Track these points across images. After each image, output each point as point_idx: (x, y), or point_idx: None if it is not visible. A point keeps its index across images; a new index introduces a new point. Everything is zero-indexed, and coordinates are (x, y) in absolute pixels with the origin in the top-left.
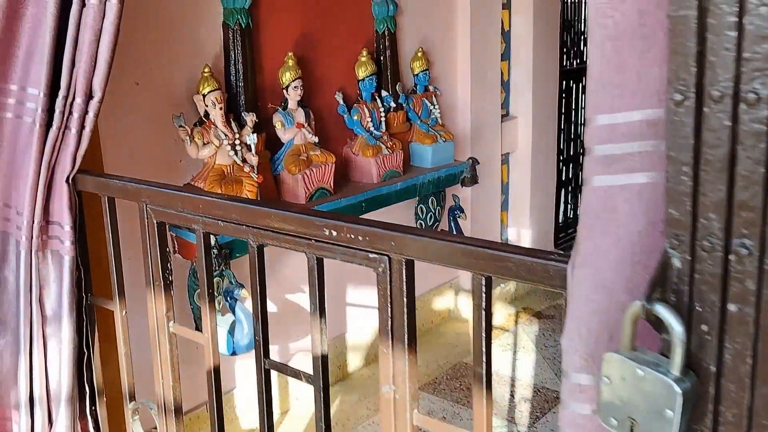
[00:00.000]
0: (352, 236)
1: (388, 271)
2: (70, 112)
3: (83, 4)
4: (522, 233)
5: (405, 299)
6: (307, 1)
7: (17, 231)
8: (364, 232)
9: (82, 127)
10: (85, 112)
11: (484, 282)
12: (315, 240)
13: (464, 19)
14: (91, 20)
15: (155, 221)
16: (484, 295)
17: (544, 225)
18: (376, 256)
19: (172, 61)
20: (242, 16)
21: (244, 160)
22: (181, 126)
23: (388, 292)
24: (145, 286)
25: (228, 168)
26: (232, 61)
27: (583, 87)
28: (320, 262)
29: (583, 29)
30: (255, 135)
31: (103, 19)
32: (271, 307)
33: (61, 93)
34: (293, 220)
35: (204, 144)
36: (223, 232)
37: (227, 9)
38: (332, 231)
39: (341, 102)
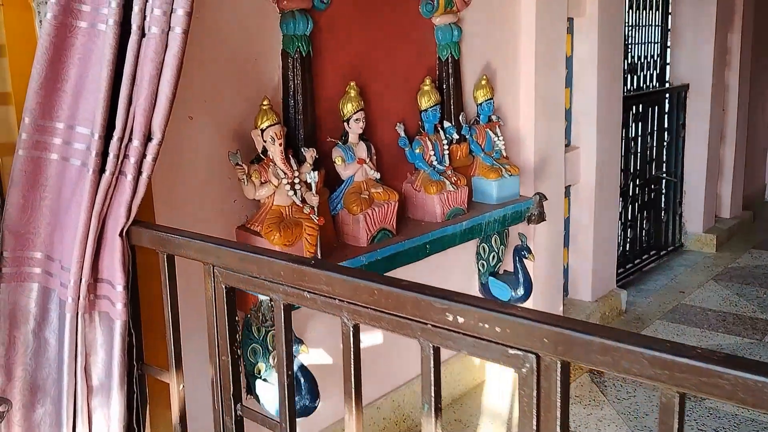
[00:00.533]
0: (485, 325)
1: (535, 374)
2: (126, 156)
3: (143, 34)
4: (583, 271)
5: (558, 410)
6: (367, 26)
7: (62, 288)
8: (501, 321)
9: (138, 173)
10: (143, 155)
11: (677, 401)
12: (432, 325)
13: (528, 43)
14: (152, 52)
15: (224, 286)
16: (676, 416)
17: (607, 262)
18: (518, 353)
19: (228, 92)
20: (303, 43)
21: (303, 201)
22: (237, 164)
23: (534, 400)
24: (207, 357)
25: (287, 209)
26: (291, 92)
27: (642, 114)
28: (437, 352)
29: (641, 53)
30: (315, 173)
31: (166, 50)
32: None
33: (116, 134)
34: (407, 300)
35: (262, 183)
36: (310, 306)
37: (287, 36)
38: (457, 317)
39: (402, 134)
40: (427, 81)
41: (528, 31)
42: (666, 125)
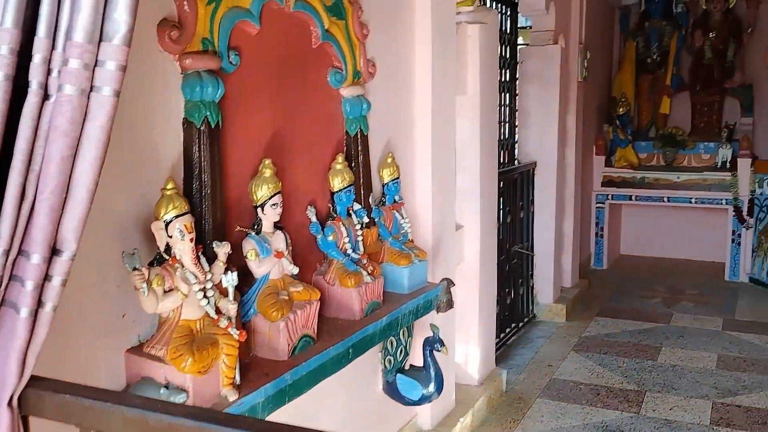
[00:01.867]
0: None
1: None
2: (16, 278)
3: (45, 96)
4: (470, 353)
5: None
6: (277, 92)
7: None
8: None
9: (38, 304)
10: (45, 277)
11: None
12: None
13: (425, 120)
14: (64, 122)
15: None
16: None
17: (488, 342)
18: None
19: (115, 173)
20: (212, 111)
21: (218, 311)
22: (135, 269)
23: None
24: None
25: (198, 324)
26: (197, 172)
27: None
28: None
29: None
30: (234, 274)
31: (85, 120)
32: None
33: (0, 245)
34: None
35: (166, 292)
36: None
37: (192, 102)
38: None
39: (314, 219)
40: (340, 159)
41: (424, 107)
42: (520, 201)
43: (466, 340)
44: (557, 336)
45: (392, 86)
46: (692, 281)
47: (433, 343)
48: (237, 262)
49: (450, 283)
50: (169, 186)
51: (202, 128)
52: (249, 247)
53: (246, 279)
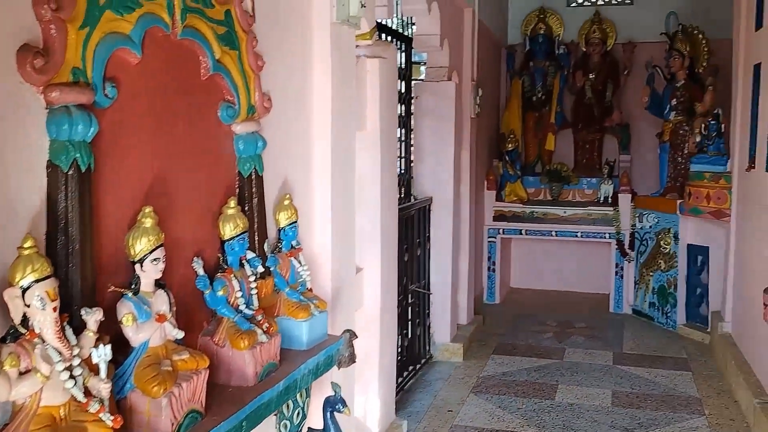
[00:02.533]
0: None
1: None
2: None
3: None
4: (369, 405)
5: None
6: (160, 130)
7: None
8: None
9: None
10: None
11: None
12: None
13: (324, 158)
14: None
15: None
16: None
17: (388, 392)
18: None
19: None
20: (83, 153)
21: (87, 393)
22: None
23: None
24: None
25: (61, 410)
26: (63, 224)
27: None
28: None
29: None
30: (107, 347)
31: None
32: None
33: None
34: None
35: (21, 374)
36: None
37: (59, 142)
38: None
39: (201, 272)
40: (232, 203)
41: (323, 144)
42: (417, 238)
43: (366, 391)
44: (455, 377)
45: (289, 122)
46: (580, 314)
47: (334, 404)
48: (111, 328)
49: (352, 335)
50: (28, 244)
51: (70, 172)
52: (125, 310)
53: (122, 348)
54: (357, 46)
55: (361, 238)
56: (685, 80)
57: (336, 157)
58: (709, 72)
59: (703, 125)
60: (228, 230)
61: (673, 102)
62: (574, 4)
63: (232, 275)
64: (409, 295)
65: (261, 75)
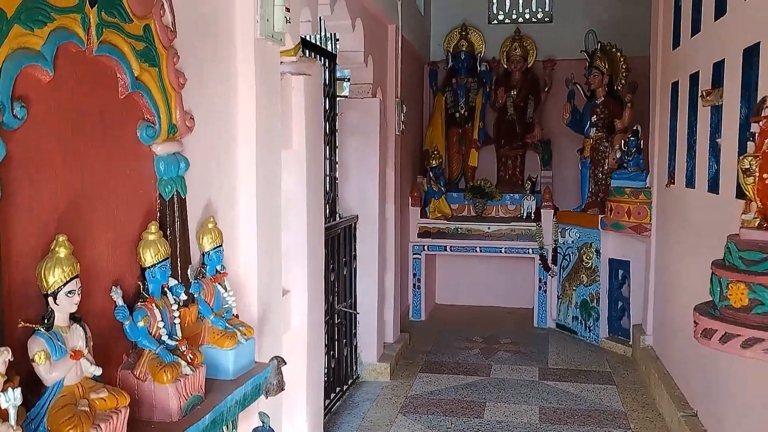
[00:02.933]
0: None
1: None
2: None
3: None
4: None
5: None
6: (75, 153)
7: None
8: None
9: None
10: None
11: None
12: None
13: (249, 179)
14: None
15: None
16: None
17: (315, 420)
18: None
19: None
20: None
21: None
22: None
23: None
24: None
25: None
26: None
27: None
28: None
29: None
30: (16, 391)
31: None
32: None
33: None
34: None
35: None
36: None
37: None
38: None
39: (120, 302)
40: (153, 228)
41: (248, 164)
42: (344, 257)
43: (292, 418)
44: (383, 398)
45: (213, 142)
46: (505, 329)
47: None
48: (22, 367)
49: (281, 361)
50: None
51: None
52: (37, 347)
53: (34, 388)
54: (281, 62)
55: (288, 259)
56: (605, 97)
57: (261, 178)
58: (627, 89)
59: (622, 141)
60: (149, 257)
61: (593, 118)
62: (495, 22)
63: (154, 304)
64: (336, 315)
65: (183, 93)
